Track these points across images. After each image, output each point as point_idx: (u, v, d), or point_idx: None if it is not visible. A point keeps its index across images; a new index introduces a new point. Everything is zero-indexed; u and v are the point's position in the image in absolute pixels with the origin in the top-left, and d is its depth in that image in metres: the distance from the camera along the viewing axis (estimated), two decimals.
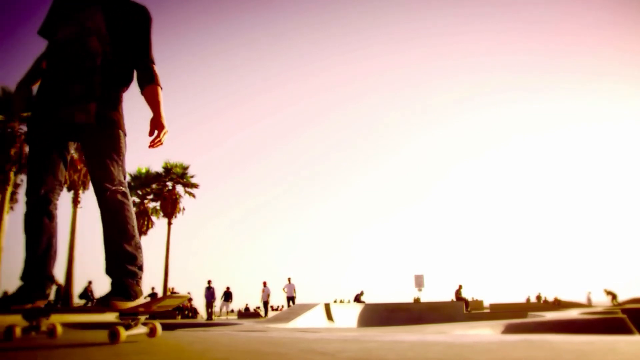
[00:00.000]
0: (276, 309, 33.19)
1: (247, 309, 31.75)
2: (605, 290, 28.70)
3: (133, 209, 2.32)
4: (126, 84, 2.50)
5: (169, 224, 29.23)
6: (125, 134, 2.41)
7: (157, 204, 29.92)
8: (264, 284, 21.07)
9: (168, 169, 29.89)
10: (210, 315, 19.78)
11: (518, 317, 13.72)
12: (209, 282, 20.14)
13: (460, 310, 19.13)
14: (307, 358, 1.37)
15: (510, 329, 7.30)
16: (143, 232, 29.05)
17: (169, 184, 30.06)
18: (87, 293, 21.13)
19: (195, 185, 30.51)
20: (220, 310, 24.18)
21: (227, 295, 22.58)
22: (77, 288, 21.68)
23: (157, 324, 2.09)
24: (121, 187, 2.27)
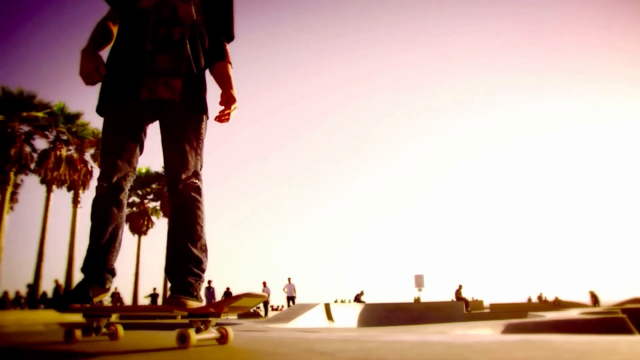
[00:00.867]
0: (276, 309, 33.17)
1: None
2: (590, 292, 29.76)
3: (205, 206, 2.08)
4: (214, 61, 2.24)
5: None
6: (207, 118, 2.17)
7: (157, 204, 29.95)
8: (264, 284, 21.08)
9: None
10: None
11: (518, 317, 13.72)
12: (209, 282, 20.14)
13: (460, 310, 19.11)
14: (307, 358, 1.37)
15: (510, 329, 7.30)
16: (143, 232, 29.08)
17: None
18: None
19: None
20: None
21: (227, 295, 22.59)
22: None
23: (230, 329, 1.85)
24: (196, 181, 2.05)
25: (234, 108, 2.19)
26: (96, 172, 25.12)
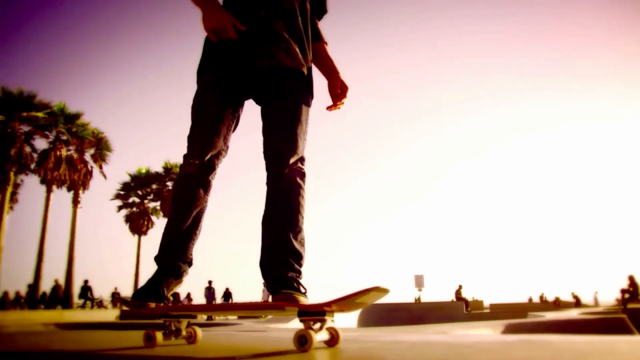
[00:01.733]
0: None
1: None
2: (572, 294, 30.64)
3: (306, 196, 1.83)
4: (315, 39, 2.05)
5: None
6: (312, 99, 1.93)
7: (157, 204, 29.93)
8: (264, 284, 21.08)
9: (168, 169, 29.90)
10: (210, 315, 19.79)
11: (518, 317, 13.73)
12: (210, 282, 20.15)
13: (461, 310, 19.13)
14: (307, 358, 1.37)
15: (510, 329, 7.30)
16: (143, 232, 29.07)
17: (169, 183, 30.06)
18: (86, 293, 21.15)
19: None
20: None
21: (227, 296, 22.60)
22: (78, 288, 21.69)
23: (339, 330, 1.59)
24: (302, 166, 1.83)
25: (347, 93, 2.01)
26: (96, 172, 25.01)
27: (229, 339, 2.15)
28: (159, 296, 1.79)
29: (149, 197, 30.05)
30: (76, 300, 21.87)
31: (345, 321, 16.28)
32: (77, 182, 23.73)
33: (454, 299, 21.94)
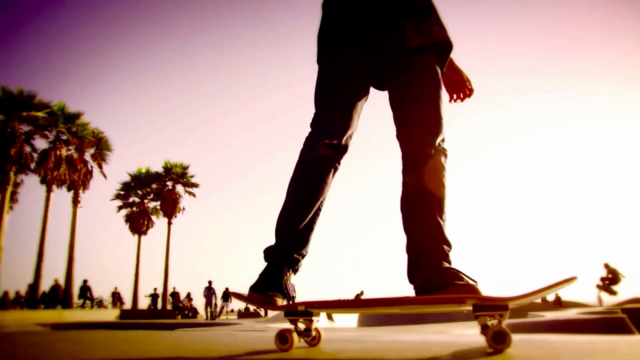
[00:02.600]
0: None
1: (247, 308, 31.73)
2: (556, 295, 31.23)
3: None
4: None
5: (169, 223, 29.24)
6: None
7: (157, 204, 29.94)
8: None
9: (168, 169, 29.91)
10: (212, 315, 19.78)
11: (518, 316, 13.71)
12: (210, 282, 20.16)
13: (461, 310, 19.09)
14: (307, 358, 1.37)
15: (510, 329, 7.29)
16: (143, 232, 29.08)
17: (169, 183, 30.08)
18: (85, 293, 21.16)
19: (195, 185, 30.55)
20: (220, 310, 24.21)
21: (226, 296, 22.63)
22: (78, 288, 21.70)
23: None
24: (446, 147, 1.64)
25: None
26: (96, 172, 24.95)
27: (255, 340, 2.14)
28: (283, 291, 1.64)
29: (149, 197, 30.06)
30: (76, 300, 21.88)
31: (345, 321, 16.27)
32: (77, 182, 23.74)
33: None
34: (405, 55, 1.64)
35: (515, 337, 1.90)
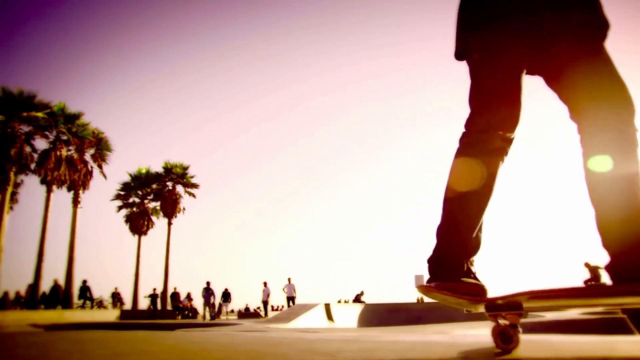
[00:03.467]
0: (276, 309, 33.21)
1: (247, 309, 31.81)
2: None
3: None
4: None
5: (169, 224, 29.25)
6: None
7: (157, 204, 29.95)
8: (264, 284, 21.09)
9: (168, 169, 29.92)
10: (212, 315, 19.78)
11: None
12: (208, 283, 20.14)
13: (461, 310, 19.10)
14: (307, 358, 1.37)
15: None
16: (143, 232, 29.08)
17: (169, 184, 30.08)
18: (85, 293, 21.16)
19: (195, 186, 30.55)
20: (220, 310, 24.23)
21: (226, 296, 22.65)
22: (78, 288, 21.70)
23: None
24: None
25: None
26: (96, 172, 24.96)
27: (255, 340, 2.14)
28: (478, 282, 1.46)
29: (149, 197, 30.06)
30: (76, 300, 21.89)
31: (345, 321, 16.28)
32: (77, 182, 23.75)
33: None
34: (589, 36, 1.52)
35: None
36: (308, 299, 21.83)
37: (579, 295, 1.33)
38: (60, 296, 20.77)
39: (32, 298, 20.50)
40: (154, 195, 29.99)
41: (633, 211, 1.36)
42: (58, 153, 22.78)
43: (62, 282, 22.02)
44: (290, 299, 20.16)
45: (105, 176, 25.60)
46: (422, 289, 1.50)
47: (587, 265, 16.34)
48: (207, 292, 19.93)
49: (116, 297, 23.90)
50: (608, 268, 1.40)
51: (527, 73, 1.63)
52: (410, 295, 29.12)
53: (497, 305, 1.33)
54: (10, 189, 20.98)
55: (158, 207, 29.87)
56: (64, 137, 23.36)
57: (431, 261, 1.52)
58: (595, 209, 1.43)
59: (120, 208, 29.63)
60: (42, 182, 22.46)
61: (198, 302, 22.43)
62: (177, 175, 30.00)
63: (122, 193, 29.76)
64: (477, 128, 1.53)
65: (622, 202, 1.38)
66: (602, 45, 1.54)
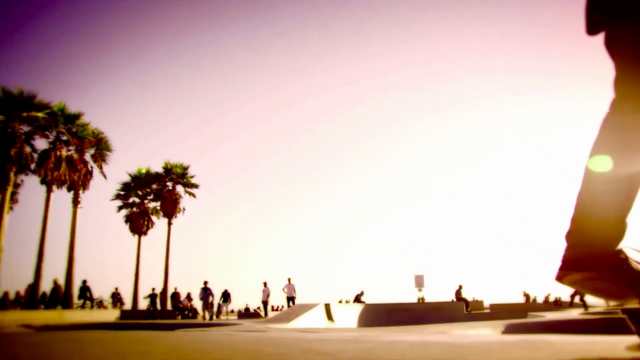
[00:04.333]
0: (276, 309, 33.23)
1: (247, 309, 31.81)
2: (523, 292, 32.70)
3: None
4: None
5: (169, 224, 29.25)
6: None
7: (157, 204, 29.94)
8: (264, 284, 21.09)
9: (168, 169, 29.92)
10: (210, 315, 19.76)
11: (518, 317, 13.73)
12: (205, 283, 20.10)
13: (461, 310, 19.15)
14: (307, 358, 1.37)
15: (510, 329, 7.31)
16: (143, 232, 29.07)
17: (169, 184, 30.08)
18: (84, 293, 21.17)
19: (195, 186, 30.55)
20: (220, 310, 24.23)
21: (226, 296, 22.65)
22: (78, 288, 21.70)
23: None
24: None
25: None
26: (96, 172, 24.97)
27: (256, 341, 2.14)
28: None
29: (149, 197, 30.05)
30: (76, 300, 21.88)
31: (345, 321, 16.28)
32: (77, 182, 23.74)
33: (454, 299, 21.96)
34: None
35: (516, 337, 1.89)
36: (308, 299, 21.83)
37: None
38: (60, 296, 20.77)
39: (32, 298, 20.50)
40: (154, 195, 29.98)
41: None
42: (58, 153, 22.78)
43: (62, 282, 22.02)
44: (290, 299, 20.15)
45: (105, 176, 25.62)
46: (579, 276, 1.33)
47: None
48: (205, 292, 19.90)
49: (116, 297, 23.90)
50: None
51: None
52: (410, 295, 29.11)
53: None
54: (10, 189, 20.97)
55: (158, 207, 29.87)
56: (64, 137, 23.36)
57: (577, 245, 1.34)
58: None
59: (120, 208, 29.64)
60: (42, 182, 22.46)
61: (198, 302, 22.43)
62: (177, 175, 29.99)
63: (122, 193, 29.76)
64: None
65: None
66: None
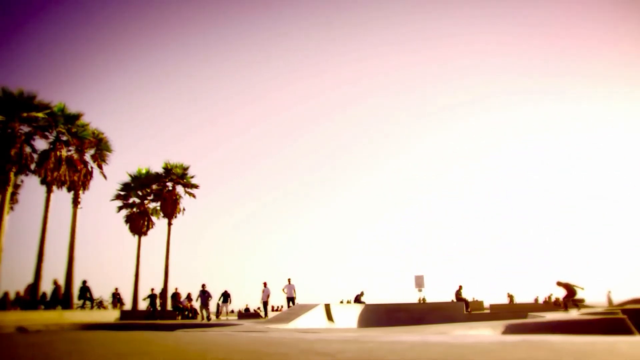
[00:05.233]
0: (277, 310, 33.19)
1: (247, 309, 31.78)
2: (507, 294, 33.30)
3: None
4: None
5: (169, 224, 29.22)
6: None
7: (157, 204, 29.92)
8: (264, 284, 21.08)
9: (168, 170, 29.90)
10: (207, 317, 19.71)
11: (518, 317, 13.72)
12: (203, 285, 20.04)
13: (461, 310, 19.14)
14: (308, 358, 1.37)
15: (510, 330, 7.30)
16: (143, 233, 29.05)
17: (169, 184, 30.05)
18: (84, 294, 21.15)
19: (195, 186, 30.53)
20: (220, 310, 24.20)
21: (226, 297, 22.64)
22: (78, 288, 21.69)
23: None
24: None
25: None
26: (96, 173, 24.90)
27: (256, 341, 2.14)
28: None
29: (149, 198, 30.03)
30: (76, 300, 21.87)
31: (345, 322, 16.27)
32: (77, 182, 23.72)
33: (454, 300, 21.96)
34: None
35: (516, 337, 1.90)
36: (308, 299, 21.81)
37: None
38: (60, 296, 20.75)
39: (32, 298, 20.48)
40: (154, 196, 29.95)
41: None
42: (58, 153, 22.77)
43: (62, 282, 22.00)
44: (290, 299, 20.14)
45: (105, 176, 25.60)
46: None
47: (559, 284, 16.60)
48: (204, 294, 19.85)
49: (116, 298, 23.89)
50: None
51: None
52: (410, 295, 29.09)
53: None
54: (10, 189, 20.95)
55: (158, 208, 29.84)
56: (64, 138, 23.35)
57: None
58: None
59: (120, 208, 29.62)
60: (42, 182, 22.45)
61: (197, 304, 22.42)
62: (177, 175, 29.97)
63: (122, 193, 29.74)
64: None
65: None
66: None
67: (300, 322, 11.61)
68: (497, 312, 22.99)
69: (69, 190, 23.95)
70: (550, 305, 29.76)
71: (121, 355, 1.56)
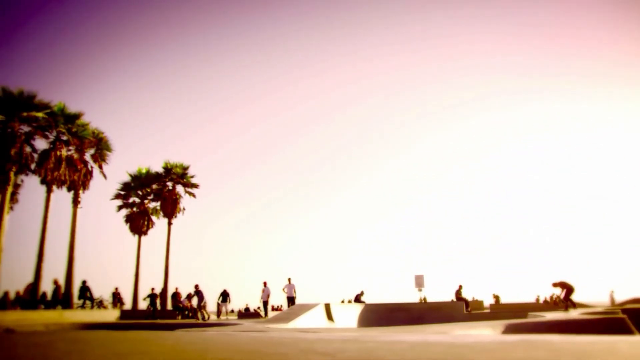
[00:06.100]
0: (277, 309, 33.20)
1: (247, 309, 31.78)
2: (493, 294, 33.37)
3: None
4: None
5: (169, 223, 29.24)
6: None
7: (157, 204, 29.93)
8: (264, 284, 21.08)
9: (168, 169, 29.91)
10: (202, 316, 19.66)
11: (518, 317, 13.72)
12: (196, 286, 19.99)
13: (461, 310, 19.15)
14: (308, 358, 1.37)
15: (510, 329, 7.30)
16: (143, 232, 29.05)
17: (169, 184, 30.07)
18: (84, 293, 21.15)
19: (195, 186, 30.54)
20: (219, 310, 24.19)
21: (225, 296, 22.63)
22: (78, 288, 21.69)
23: None
24: None
25: None
26: (96, 172, 24.91)
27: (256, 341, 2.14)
28: None
29: (149, 197, 30.04)
30: (76, 300, 21.88)
31: (345, 321, 16.28)
32: (77, 182, 23.73)
33: (454, 299, 21.96)
34: None
35: (516, 337, 1.90)
36: (308, 299, 21.80)
37: None
38: (60, 296, 20.76)
39: (32, 298, 20.48)
40: (154, 195, 29.97)
41: None
42: (58, 153, 22.77)
43: (62, 282, 22.01)
44: (291, 299, 20.13)
45: (105, 176, 25.60)
46: None
47: (555, 284, 16.63)
48: (198, 295, 19.80)
49: (116, 297, 23.89)
50: None
51: None
52: (410, 295, 29.10)
53: None
54: (10, 189, 20.95)
55: (158, 207, 29.85)
56: (64, 137, 23.35)
57: None
58: None
59: (120, 208, 29.63)
60: (42, 182, 22.45)
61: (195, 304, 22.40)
62: (177, 175, 29.98)
63: (122, 193, 29.75)
64: None
65: None
66: None
67: (300, 322, 11.62)
68: (497, 312, 22.99)
69: (69, 190, 23.95)
70: (551, 305, 29.78)
71: (121, 355, 1.56)
